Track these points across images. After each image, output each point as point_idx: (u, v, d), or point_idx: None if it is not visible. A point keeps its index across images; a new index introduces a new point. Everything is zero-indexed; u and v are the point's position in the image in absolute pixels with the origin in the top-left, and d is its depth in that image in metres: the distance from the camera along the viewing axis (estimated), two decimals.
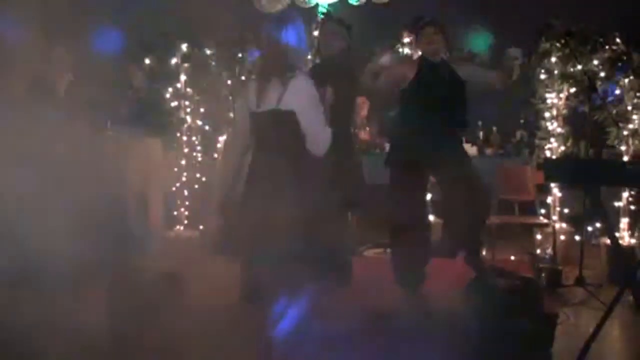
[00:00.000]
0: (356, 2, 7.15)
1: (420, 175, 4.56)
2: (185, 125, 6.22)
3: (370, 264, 5.76)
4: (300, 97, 3.52)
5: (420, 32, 4.64)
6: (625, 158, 5.64)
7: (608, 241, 5.46)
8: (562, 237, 5.91)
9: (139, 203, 6.41)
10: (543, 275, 5.26)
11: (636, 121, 5.63)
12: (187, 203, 6.24)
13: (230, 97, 6.19)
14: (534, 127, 6.28)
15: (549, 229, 5.95)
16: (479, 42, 4.62)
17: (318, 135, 3.59)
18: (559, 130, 6.13)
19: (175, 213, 6.25)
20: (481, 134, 7.44)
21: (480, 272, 4.40)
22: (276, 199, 3.45)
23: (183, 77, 6.17)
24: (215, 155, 6.69)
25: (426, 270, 4.57)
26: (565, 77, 6.03)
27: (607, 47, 5.92)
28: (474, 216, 4.45)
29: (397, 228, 4.55)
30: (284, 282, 3.58)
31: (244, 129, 3.69)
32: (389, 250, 5.92)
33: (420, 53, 4.65)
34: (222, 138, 6.62)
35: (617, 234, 5.51)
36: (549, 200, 6.21)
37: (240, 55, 6.37)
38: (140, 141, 6.31)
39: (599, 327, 3.60)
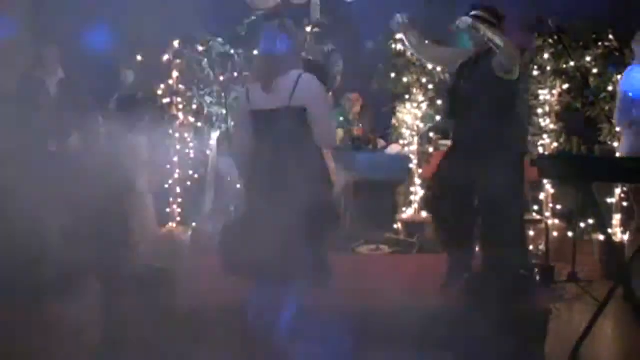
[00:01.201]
0: None
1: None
2: (178, 122, 6.19)
3: (363, 260, 5.75)
4: (310, 94, 3.68)
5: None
6: (618, 154, 5.65)
7: (601, 237, 5.48)
8: (555, 234, 5.92)
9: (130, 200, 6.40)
10: (536, 271, 5.27)
11: None
12: (179, 200, 6.22)
13: (223, 94, 6.16)
14: (527, 123, 6.27)
15: (542, 225, 5.95)
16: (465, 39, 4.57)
17: (328, 128, 3.80)
18: (551, 126, 6.13)
19: (167, 210, 6.22)
20: None
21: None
22: (288, 194, 3.56)
23: (175, 74, 6.14)
24: (208, 152, 6.67)
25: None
26: (558, 74, 6.04)
27: (599, 43, 5.93)
28: None
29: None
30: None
31: (247, 128, 3.81)
32: (381, 247, 5.95)
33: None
34: (214, 134, 6.60)
35: (609, 230, 5.52)
36: (542, 196, 6.22)
37: (232, 52, 6.35)
38: (128, 138, 6.28)
39: (591, 322, 3.62)
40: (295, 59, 3.80)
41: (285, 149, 3.66)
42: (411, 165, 6.55)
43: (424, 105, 6.44)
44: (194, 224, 6.23)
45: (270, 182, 3.66)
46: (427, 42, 4.72)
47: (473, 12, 4.31)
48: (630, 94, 4.76)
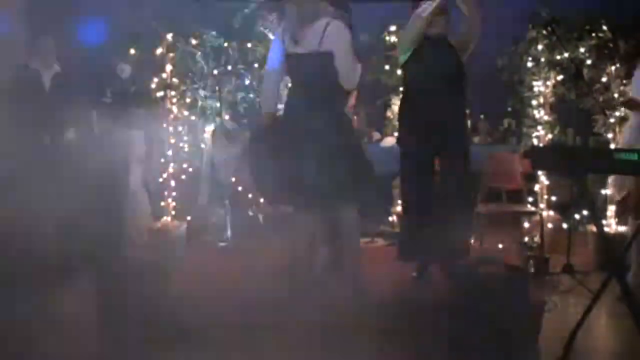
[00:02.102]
0: None
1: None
2: (172, 116, 6.17)
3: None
4: (338, 40, 4.09)
5: None
6: (612, 145, 5.65)
7: (595, 229, 5.48)
8: (550, 225, 5.93)
9: (124, 194, 6.39)
10: (531, 263, 5.28)
11: (622, 108, 5.64)
12: (174, 194, 6.21)
13: (217, 87, 6.14)
14: (521, 115, 6.27)
15: (537, 217, 5.96)
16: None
17: (352, 71, 4.18)
18: (546, 118, 6.13)
19: (162, 204, 6.21)
20: (469, 122, 7.43)
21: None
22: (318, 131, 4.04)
23: (169, 67, 6.12)
24: (203, 146, 6.65)
25: None
26: (552, 65, 6.03)
27: (593, 34, 5.93)
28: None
29: None
30: None
31: (280, 66, 4.22)
32: (376, 239, 5.95)
33: None
34: (208, 128, 6.59)
35: (604, 222, 5.53)
36: (537, 188, 6.22)
37: (226, 44, 6.33)
38: (124, 132, 6.26)
39: (586, 314, 3.62)
40: (324, 6, 4.15)
41: (315, 92, 4.11)
42: None
43: None
44: (188, 218, 6.22)
45: (302, 122, 4.08)
46: None
47: None
48: None
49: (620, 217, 5.14)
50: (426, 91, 4.53)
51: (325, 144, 4.00)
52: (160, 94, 6.15)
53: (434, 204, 4.63)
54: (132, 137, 6.30)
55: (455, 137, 4.59)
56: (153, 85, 6.15)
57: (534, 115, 6.17)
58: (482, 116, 7.47)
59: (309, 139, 4.02)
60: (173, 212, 6.19)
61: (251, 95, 6.36)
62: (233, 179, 6.47)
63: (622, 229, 5.45)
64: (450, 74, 4.55)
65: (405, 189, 4.75)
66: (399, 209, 6.54)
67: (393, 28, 6.65)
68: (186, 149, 6.34)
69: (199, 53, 6.21)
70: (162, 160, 6.20)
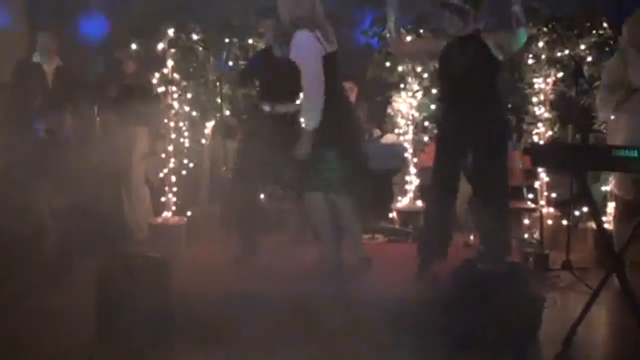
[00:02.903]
0: None
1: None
2: (173, 111, 6.17)
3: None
4: None
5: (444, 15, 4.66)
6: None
7: (595, 225, 5.49)
8: (550, 222, 5.94)
9: (126, 190, 6.41)
10: (530, 259, 5.30)
11: None
12: (174, 189, 6.21)
13: (218, 83, 6.14)
14: (522, 112, 6.28)
15: (537, 214, 5.97)
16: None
17: None
18: (546, 115, 6.14)
19: (162, 199, 6.22)
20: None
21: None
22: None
23: (170, 63, 6.12)
24: (203, 141, 6.67)
25: None
26: (552, 62, 6.04)
27: (593, 31, 5.94)
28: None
29: None
30: None
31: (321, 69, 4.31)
32: (376, 235, 5.96)
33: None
34: (209, 124, 6.60)
35: (603, 218, 5.54)
36: (537, 184, 6.24)
37: (227, 40, 6.33)
38: (128, 128, 6.28)
39: (585, 310, 3.64)
40: None
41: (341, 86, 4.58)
42: (406, 155, 6.56)
43: (419, 94, 6.44)
44: (189, 213, 6.23)
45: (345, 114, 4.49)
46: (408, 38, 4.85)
47: None
48: None
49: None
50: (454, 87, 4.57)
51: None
52: (161, 89, 6.15)
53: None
54: (136, 133, 6.32)
55: (490, 133, 4.54)
56: (154, 81, 6.15)
57: (534, 112, 6.18)
58: None
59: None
60: (174, 208, 6.20)
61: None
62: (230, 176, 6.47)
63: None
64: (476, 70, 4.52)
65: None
66: (399, 205, 6.57)
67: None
68: (187, 145, 6.34)
69: (200, 49, 6.20)
70: (163, 155, 6.21)
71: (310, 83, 4.27)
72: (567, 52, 5.77)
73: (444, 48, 4.56)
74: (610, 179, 5.42)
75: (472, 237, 5.31)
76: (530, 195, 6.28)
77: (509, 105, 6.54)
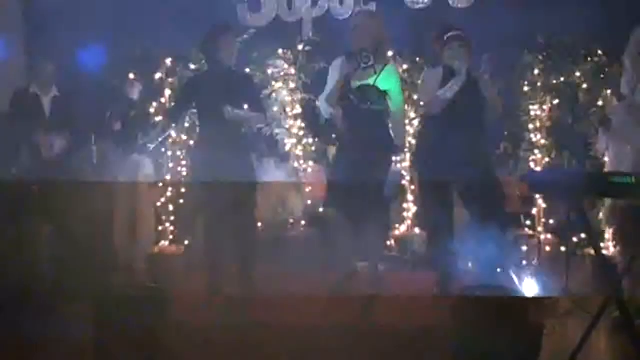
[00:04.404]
0: None
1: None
2: (170, 140, 6.19)
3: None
4: None
5: (447, 45, 4.81)
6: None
7: (593, 252, 5.48)
8: (548, 248, 5.93)
9: (128, 220, 6.36)
10: (529, 286, 5.27)
11: None
12: (172, 218, 6.21)
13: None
14: (518, 138, 6.30)
15: (535, 240, 5.96)
16: None
17: None
18: (542, 141, 6.16)
19: (160, 228, 6.21)
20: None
21: None
22: None
23: (168, 92, 6.15)
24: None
25: None
26: (548, 89, 6.08)
27: (589, 59, 5.98)
28: None
29: None
30: None
31: None
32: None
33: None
34: None
35: (601, 244, 5.53)
36: (534, 211, 6.23)
37: None
38: (130, 157, 6.24)
39: (585, 338, 3.62)
40: None
41: None
42: (403, 182, 6.56)
43: (416, 122, 6.46)
44: (186, 242, 6.22)
45: None
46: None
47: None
48: None
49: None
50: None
51: None
52: (159, 118, 6.17)
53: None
54: (141, 163, 6.28)
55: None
56: (152, 110, 6.18)
57: (530, 139, 6.20)
58: None
59: None
60: (171, 237, 6.19)
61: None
62: None
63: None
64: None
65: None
66: (397, 232, 6.56)
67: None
68: (184, 173, 6.34)
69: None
70: (161, 184, 6.21)
71: None
72: (562, 79, 5.81)
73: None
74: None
75: (469, 264, 5.30)
76: (528, 222, 6.27)
77: (505, 133, 6.59)
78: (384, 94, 4.79)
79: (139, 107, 6.24)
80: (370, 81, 4.74)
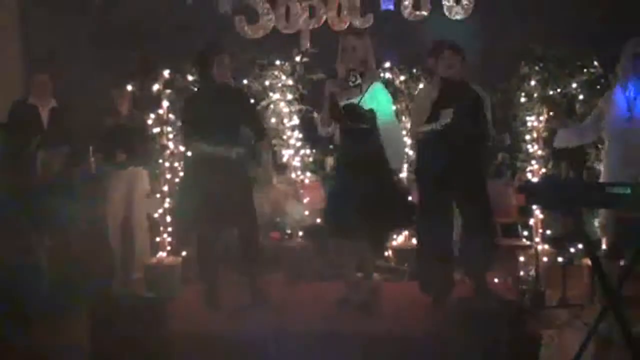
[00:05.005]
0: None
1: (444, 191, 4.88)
2: (168, 152, 6.19)
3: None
4: None
5: (440, 55, 4.87)
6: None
7: (590, 262, 5.48)
8: (545, 259, 5.93)
9: (124, 231, 6.35)
10: (527, 297, 5.28)
11: None
12: (169, 229, 6.20)
13: None
14: (515, 149, 6.32)
15: (532, 251, 5.96)
16: None
17: None
18: (539, 152, 6.18)
19: (157, 239, 6.20)
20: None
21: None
22: None
23: (165, 103, 6.16)
24: None
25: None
26: (544, 100, 6.10)
27: (585, 70, 6.01)
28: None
29: None
30: None
31: None
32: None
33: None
34: None
35: (598, 254, 5.53)
36: (532, 222, 6.24)
37: None
38: (124, 170, 6.22)
39: (583, 348, 3.62)
40: None
41: None
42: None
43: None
44: (184, 253, 6.21)
45: None
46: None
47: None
48: None
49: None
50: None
51: None
52: (156, 129, 6.18)
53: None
54: (139, 175, 6.26)
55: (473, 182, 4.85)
56: (150, 122, 6.18)
57: (527, 150, 6.22)
58: None
59: None
60: (169, 248, 6.18)
61: None
62: None
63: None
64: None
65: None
66: (394, 243, 6.56)
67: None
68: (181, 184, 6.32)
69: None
70: (158, 195, 6.21)
71: None
72: (558, 90, 5.83)
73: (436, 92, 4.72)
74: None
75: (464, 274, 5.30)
76: (525, 233, 6.27)
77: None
78: (370, 112, 4.77)
79: (125, 119, 6.20)
80: (356, 100, 4.75)
